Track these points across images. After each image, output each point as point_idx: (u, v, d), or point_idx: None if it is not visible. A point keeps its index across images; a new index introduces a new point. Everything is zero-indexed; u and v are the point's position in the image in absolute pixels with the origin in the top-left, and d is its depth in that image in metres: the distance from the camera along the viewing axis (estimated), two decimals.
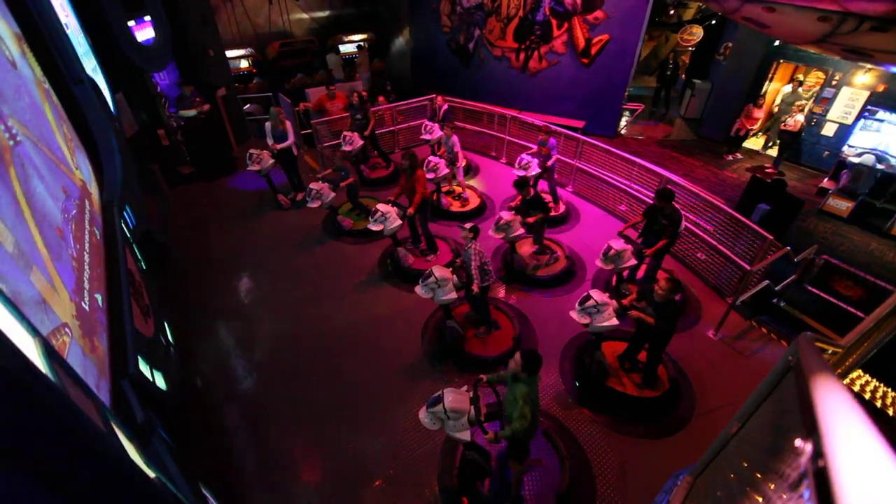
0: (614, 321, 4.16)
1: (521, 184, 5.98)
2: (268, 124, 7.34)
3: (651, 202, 5.63)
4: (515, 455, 3.46)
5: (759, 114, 9.61)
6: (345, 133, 7.66)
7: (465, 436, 3.25)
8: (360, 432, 4.34)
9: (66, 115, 4.74)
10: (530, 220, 5.82)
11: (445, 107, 8.70)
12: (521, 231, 5.72)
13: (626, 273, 5.66)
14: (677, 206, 5.12)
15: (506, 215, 5.64)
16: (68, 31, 4.99)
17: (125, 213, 4.94)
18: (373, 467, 4.04)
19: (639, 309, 4.15)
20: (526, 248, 6.58)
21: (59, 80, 4.74)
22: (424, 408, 3.28)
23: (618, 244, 5.15)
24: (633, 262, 5.25)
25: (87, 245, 3.55)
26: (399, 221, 5.83)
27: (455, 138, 7.44)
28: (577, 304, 4.26)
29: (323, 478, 4.00)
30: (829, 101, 9.01)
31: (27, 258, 2.33)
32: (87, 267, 3.33)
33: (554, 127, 7.75)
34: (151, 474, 2.13)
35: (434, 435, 4.19)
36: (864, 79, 8.51)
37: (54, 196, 3.22)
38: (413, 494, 3.85)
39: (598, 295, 4.18)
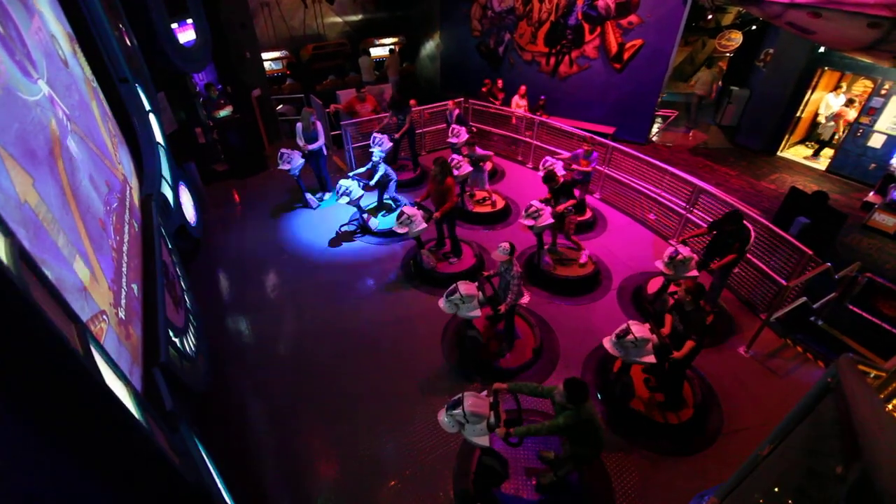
0: (652, 358, 3.91)
1: (550, 177, 6.00)
2: (299, 125, 7.52)
3: (714, 218, 5.54)
4: (567, 465, 3.50)
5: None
6: (375, 133, 7.78)
7: (484, 441, 3.21)
8: (378, 432, 4.37)
9: (110, 112, 4.98)
10: (560, 207, 5.82)
11: (458, 111, 8.77)
12: (551, 221, 5.65)
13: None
14: (746, 223, 4.99)
15: (536, 203, 5.67)
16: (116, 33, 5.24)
17: (162, 207, 5.14)
18: (389, 467, 4.06)
19: (677, 337, 4.01)
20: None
21: (106, 79, 4.99)
22: (444, 410, 3.27)
23: (685, 250, 4.97)
24: (694, 273, 5.06)
25: (126, 237, 3.70)
26: (424, 224, 5.84)
27: (480, 150, 7.44)
28: (613, 336, 3.99)
29: (339, 475, 4.04)
30: (878, 111, 8.57)
31: (71, 247, 2.45)
32: (125, 257, 3.48)
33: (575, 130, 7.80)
34: (177, 460, 2.20)
35: (451, 438, 4.17)
36: None
37: (98, 189, 3.37)
38: (428, 497, 3.84)
39: (637, 329, 3.88)
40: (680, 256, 4.94)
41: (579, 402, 3.03)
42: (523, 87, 9.81)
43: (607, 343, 4.02)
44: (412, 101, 8.81)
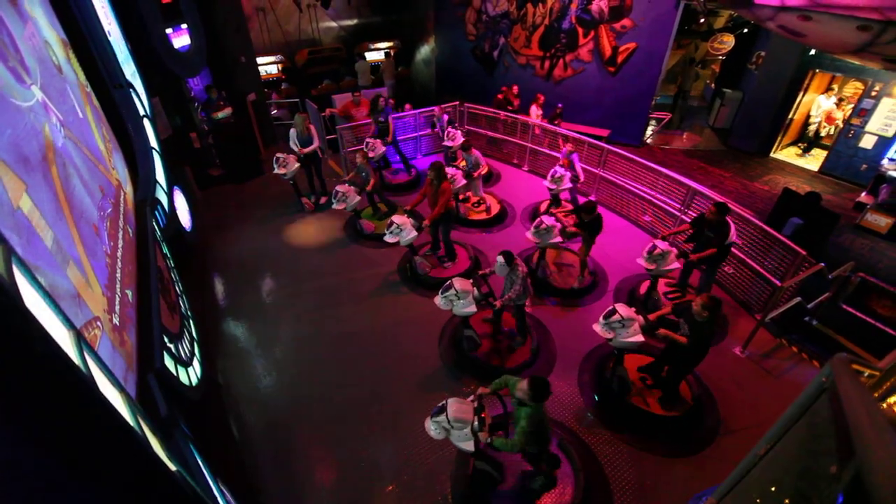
0: (640, 338, 4.00)
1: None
2: (292, 131, 7.51)
3: (697, 213, 5.58)
4: (533, 462, 3.59)
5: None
6: (367, 139, 7.78)
7: (469, 446, 3.24)
8: (375, 436, 4.35)
9: (105, 117, 4.95)
10: (571, 227, 5.80)
11: (446, 117, 8.76)
12: (559, 239, 5.64)
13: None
14: (729, 220, 5.01)
15: (547, 220, 5.56)
16: (110, 38, 5.23)
17: (156, 212, 5.12)
18: (386, 472, 4.04)
19: (670, 327, 4.02)
20: (551, 256, 6.54)
21: (101, 85, 4.96)
22: (430, 417, 3.28)
23: (663, 245, 5.05)
24: (676, 265, 5.12)
25: (120, 242, 3.68)
26: (414, 233, 5.81)
27: (475, 152, 7.43)
28: (601, 318, 4.13)
29: (337, 480, 4.02)
30: (868, 113, 8.68)
31: (65, 253, 2.43)
32: (119, 263, 3.46)
33: (572, 134, 7.90)
34: (173, 467, 2.18)
35: (448, 442, 4.16)
36: None
37: (92, 194, 3.36)
38: (427, 500, 3.82)
39: (623, 310, 4.03)
40: (657, 251, 5.02)
41: (541, 399, 3.10)
42: (542, 97, 9.46)
43: (596, 327, 4.15)
44: (408, 105, 8.83)
